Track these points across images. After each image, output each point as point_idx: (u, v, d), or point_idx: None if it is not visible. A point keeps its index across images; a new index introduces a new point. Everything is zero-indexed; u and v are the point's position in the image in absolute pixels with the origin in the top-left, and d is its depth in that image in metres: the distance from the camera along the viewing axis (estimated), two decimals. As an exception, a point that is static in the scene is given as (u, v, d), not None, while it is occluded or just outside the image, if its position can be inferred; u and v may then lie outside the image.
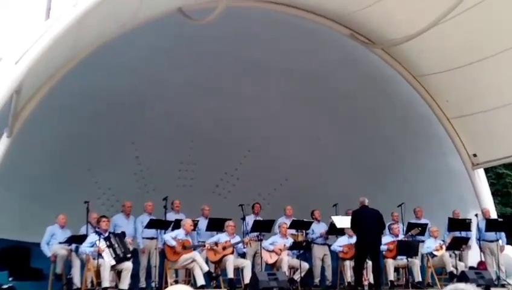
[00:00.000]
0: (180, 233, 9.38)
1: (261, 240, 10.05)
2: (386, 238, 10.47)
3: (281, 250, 10.07)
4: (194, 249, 9.38)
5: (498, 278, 10.34)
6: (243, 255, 10.02)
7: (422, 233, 10.57)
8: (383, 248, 10.32)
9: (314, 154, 13.34)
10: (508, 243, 11.53)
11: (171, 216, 10.20)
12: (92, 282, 8.67)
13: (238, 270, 9.70)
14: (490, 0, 8.76)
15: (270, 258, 10.10)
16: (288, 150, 13.24)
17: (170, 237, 9.28)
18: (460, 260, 10.52)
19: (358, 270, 9.55)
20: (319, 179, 13.22)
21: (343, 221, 10.28)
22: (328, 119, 12.91)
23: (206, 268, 9.09)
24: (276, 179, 13.67)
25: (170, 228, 9.82)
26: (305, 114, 12.83)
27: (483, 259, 10.91)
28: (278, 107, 12.70)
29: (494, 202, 13.00)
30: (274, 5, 10.44)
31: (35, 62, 7.44)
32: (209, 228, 10.25)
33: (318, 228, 11.01)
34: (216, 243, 9.63)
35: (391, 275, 10.19)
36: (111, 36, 9.04)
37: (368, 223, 9.41)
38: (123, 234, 9.30)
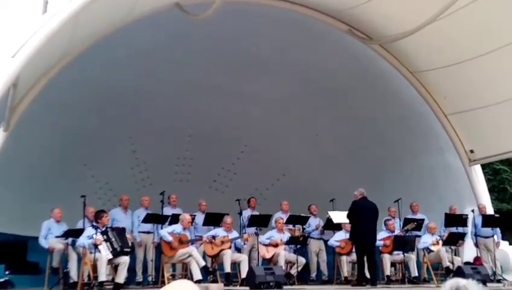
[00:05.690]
0: (177, 228, 9.38)
1: (257, 234, 10.08)
2: (382, 234, 10.50)
3: (277, 244, 10.09)
4: (192, 243, 9.38)
5: (494, 273, 10.38)
6: (239, 250, 10.05)
7: (418, 228, 10.60)
8: (380, 243, 10.34)
9: (311, 150, 13.35)
10: (503, 239, 11.57)
11: (168, 211, 10.22)
12: (88, 276, 8.67)
13: (235, 265, 9.72)
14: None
15: (267, 253, 10.13)
16: (285, 145, 13.24)
17: (166, 232, 9.27)
18: (455, 255, 10.56)
19: (361, 265, 9.39)
20: (316, 175, 13.22)
21: (340, 216, 10.30)
22: (326, 115, 12.91)
23: (202, 263, 9.09)
24: (273, 174, 13.67)
25: (167, 223, 9.83)
26: (303, 110, 12.84)
27: (479, 254, 10.96)
28: (275, 103, 12.69)
29: (491, 198, 13.03)
30: (271, 0, 10.43)
31: (32, 56, 7.43)
32: (206, 222, 10.26)
33: (314, 223, 11.05)
34: (214, 237, 9.64)
35: (388, 270, 10.22)
36: (108, 31, 9.01)
37: (367, 216, 9.35)
38: (123, 230, 9.31)
